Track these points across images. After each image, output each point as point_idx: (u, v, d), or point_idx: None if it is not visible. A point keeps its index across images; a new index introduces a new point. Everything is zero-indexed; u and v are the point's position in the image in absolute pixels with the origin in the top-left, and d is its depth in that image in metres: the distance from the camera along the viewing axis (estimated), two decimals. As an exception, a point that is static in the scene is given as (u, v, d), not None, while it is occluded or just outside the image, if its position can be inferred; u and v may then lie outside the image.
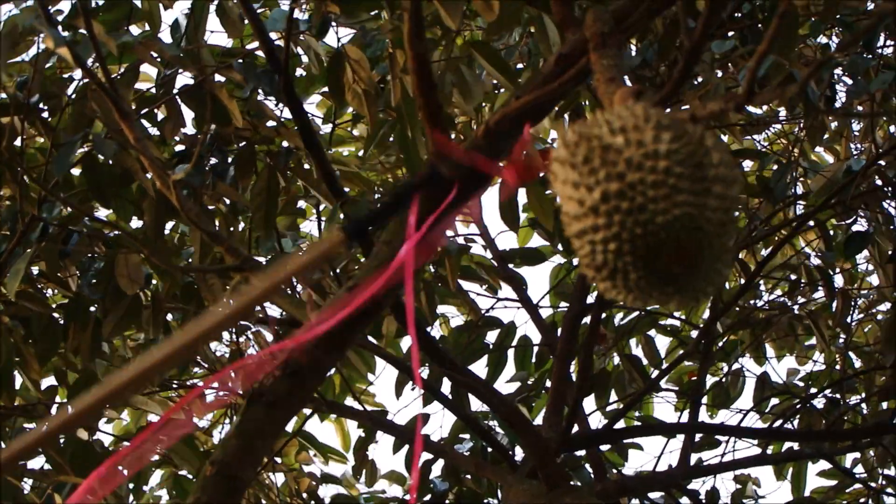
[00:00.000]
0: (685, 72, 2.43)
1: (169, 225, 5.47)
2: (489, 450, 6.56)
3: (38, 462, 5.51)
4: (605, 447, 6.80)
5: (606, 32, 2.71)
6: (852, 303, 6.73)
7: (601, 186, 1.81)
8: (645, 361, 6.98)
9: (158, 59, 4.75)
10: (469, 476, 6.74)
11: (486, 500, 6.86)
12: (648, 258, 1.80)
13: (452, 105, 5.15)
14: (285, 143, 5.12)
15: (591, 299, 6.14)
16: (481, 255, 6.75)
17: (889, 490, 7.08)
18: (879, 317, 7.27)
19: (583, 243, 1.85)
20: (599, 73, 2.60)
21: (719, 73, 5.51)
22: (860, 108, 6.21)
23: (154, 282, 5.32)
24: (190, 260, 5.50)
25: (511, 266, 6.75)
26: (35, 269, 5.27)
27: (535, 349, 7.05)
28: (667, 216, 1.77)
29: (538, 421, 6.59)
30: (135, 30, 5.42)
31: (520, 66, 5.60)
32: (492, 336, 6.95)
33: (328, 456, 7.43)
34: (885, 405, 6.90)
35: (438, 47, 5.02)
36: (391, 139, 5.21)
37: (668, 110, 2.52)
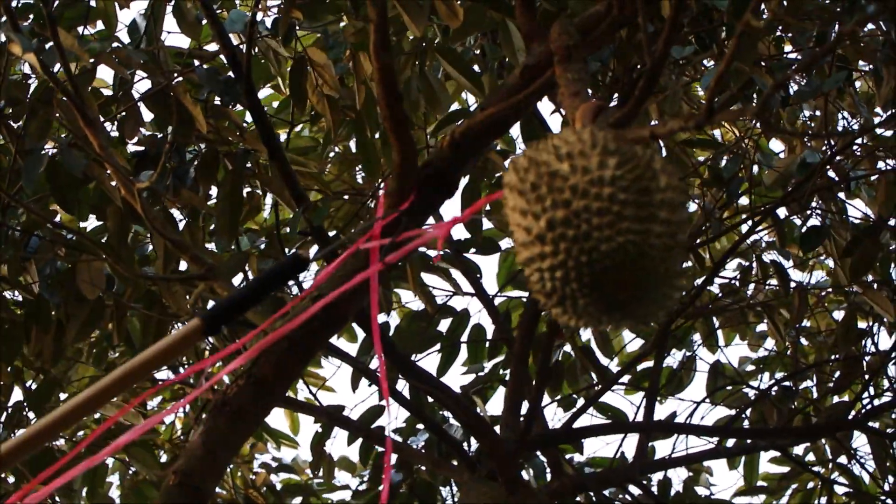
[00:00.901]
0: (647, 90, 2.44)
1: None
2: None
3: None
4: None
5: (572, 45, 2.73)
6: (806, 290, 6.74)
7: (547, 214, 1.83)
8: (598, 353, 6.99)
9: (117, 61, 4.71)
10: (423, 468, 6.74)
11: (440, 488, 6.88)
12: (594, 285, 1.82)
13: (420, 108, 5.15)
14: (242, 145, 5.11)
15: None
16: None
17: (841, 479, 7.14)
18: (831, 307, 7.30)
19: (531, 271, 1.88)
20: (564, 86, 2.61)
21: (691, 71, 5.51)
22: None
23: (116, 287, 5.29)
24: (148, 253, 5.47)
25: (465, 255, 6.74)
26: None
27: (490, 338, 7.02)
28: (611, 244, 1.80)
29: (495, 408, 6.57)
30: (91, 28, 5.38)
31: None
32: (445, 323, 6.95)
33: (279, 441, 7.41)
34: (836, 398, 6.95)
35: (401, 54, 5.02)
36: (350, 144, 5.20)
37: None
